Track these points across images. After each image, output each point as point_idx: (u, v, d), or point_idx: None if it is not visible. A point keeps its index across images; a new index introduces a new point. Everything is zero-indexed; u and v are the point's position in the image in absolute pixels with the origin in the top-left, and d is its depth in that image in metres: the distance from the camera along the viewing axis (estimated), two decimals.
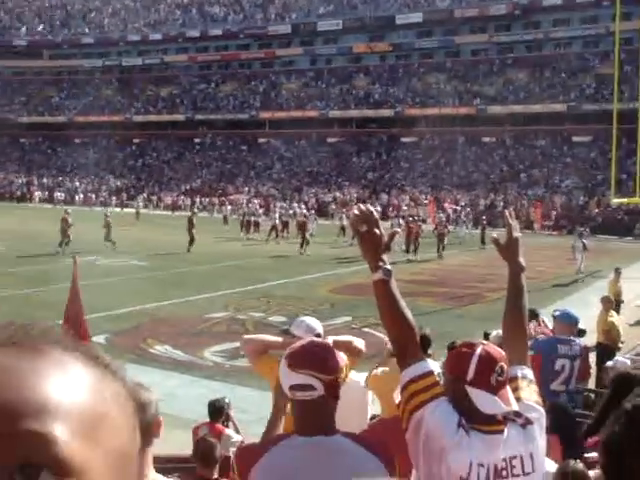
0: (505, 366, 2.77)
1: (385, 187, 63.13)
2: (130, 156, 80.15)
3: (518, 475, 2.75)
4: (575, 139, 62.46)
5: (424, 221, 38.76)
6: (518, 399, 2.84)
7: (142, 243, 33.34)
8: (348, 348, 4.36)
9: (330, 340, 4.03)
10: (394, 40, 77.01)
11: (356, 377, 5.09)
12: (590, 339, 11.63)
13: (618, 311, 14.94)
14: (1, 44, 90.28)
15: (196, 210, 37.98)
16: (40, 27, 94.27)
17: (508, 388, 2.79)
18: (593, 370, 9.47)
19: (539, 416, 2.91)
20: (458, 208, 49.25)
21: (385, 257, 2.80)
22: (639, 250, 35.25)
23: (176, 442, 7.32)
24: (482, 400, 2.70)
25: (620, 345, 12.37)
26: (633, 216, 47.08)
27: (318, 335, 4.44)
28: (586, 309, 15.06)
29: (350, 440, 2.61)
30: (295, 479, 2.54)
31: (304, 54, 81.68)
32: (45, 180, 76.32)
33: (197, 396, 10.99)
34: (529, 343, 3.43)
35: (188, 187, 70.12)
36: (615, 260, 25.47)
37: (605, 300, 12.60)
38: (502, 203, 53.69)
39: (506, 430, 2.76)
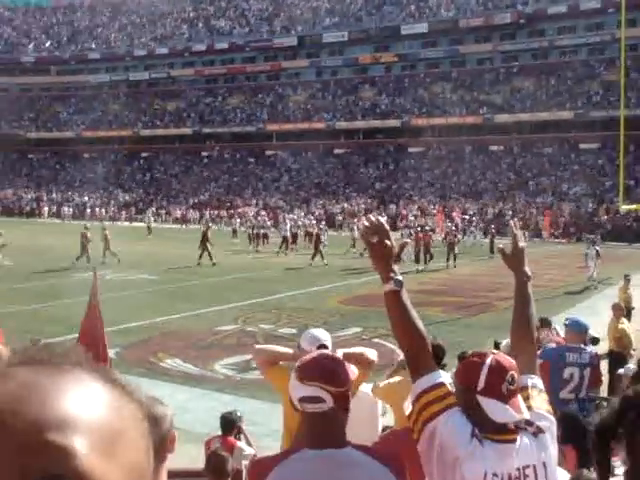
0: (516, 375, 2.78)
1: (393, 197, 63.13)
2: (138, 170, 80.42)
3: None
4: (582, 146, 62.36)
5: (433, 231, 38.69)
6: (529, 408, 2.84)
7: (151, 257, 33.40)
8: (359, 360, 4.37)
9: (340, 353, 4.03)
10: (399, 50, 77.16)
11: (366, 389, 5.08)
12: (601, 347, 11.59)
13: (629, 318, 14.87)
14: (9, 61, 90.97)
15: (211, 224, 38.04)
16: (47, 43, 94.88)
17: (519, 397, 2.79)
18: (605, 378, 9.43)
19: (550, 424, 2.92)
20: (466, 217, 49.21)
21: (396, 268, 2.81)
22: None
23: (187, 456, 7.31)
24: (494, 409, 2.71)
25: (632, 352, 12.32)
26: None
27: (323, 346, 4.45)
28: (597, 317, 15.02)
29: (361, 452, 2.60)
30: None
31: (310, 66, 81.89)
32: (54, 195, 76.60)
33: (208, 409, 10.98)
34: (538, 351, 3.44)
35: (196, 200, 70.25)
36: (625, 267, 25.36)
37: (616, 307, 12.55)
38: (510, 212, 53.62)
39: (519, 439, 2.76)
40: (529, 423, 2.78)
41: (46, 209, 71.96)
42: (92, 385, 0.70)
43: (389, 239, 2.78)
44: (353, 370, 2.78)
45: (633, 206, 40.33)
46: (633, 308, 17.15)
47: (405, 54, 76.90)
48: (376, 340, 15.56)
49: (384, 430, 5.44)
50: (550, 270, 30.52)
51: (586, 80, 66.29)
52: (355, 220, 45.25)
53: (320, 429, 2.59)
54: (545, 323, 10.54)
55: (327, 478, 2.52)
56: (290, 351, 4.90)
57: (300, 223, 42.94)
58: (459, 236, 36.17)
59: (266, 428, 9.09)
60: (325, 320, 18.29)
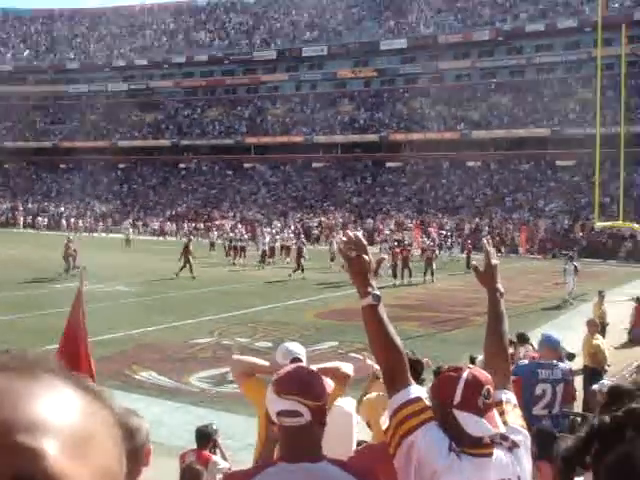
0: (492, 389, 2.80)
1: (370, 212, 63.24)
2: (115, 181, 80.00)
3: None
4: (559, 163, 62.86)
5: (410, 245, 38.78)
6: (504, 423, 2.85)
7: (128, 268, 33.22)
8: (335, 374, 4.36)
9: (314, 368, 4.02)
10: (378, 65, 77.54)
11: (341, 403, 5.07)
12: (576, 362, 11.67)
13: (603, 334, 14.97)
14: None
15: (192, 237, 37.91)
16: (26, 52, 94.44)
17: (495, 411, 2.80)
18: (579, 393, 9.47)
19: (524, 439, 2.94)
20: (443, 232, 49.36)
21: (373, 283, 2.82)
22: (624, 273, 35.41)
23: (161, 469, 7.25)
24: (470, 423, 2.72)
25: (606, 368, 12.39)
26: (617, 239, 47.32)
27: (297, 359, 4.44)
28: (572, 332, 15.10)
29: (337, 467, 2.59)
30: None
31: (289, 80, 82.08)
32: (30, 205, 76.05)
33: (183, 423, 10.92)
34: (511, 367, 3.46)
35: (173, 212, 70.02)
36: (600, 283, 25.58)
37: (591, 323, 12.64)
38: (487, 227, 53.90)
39: (495, 453, 2.77)
40: (504, 437, 2.80)
41: (22, 219, 71.42)
42: (64, 390, 0.72)
43: (367, 254, 2.79)
44: (329, 384, 2.78)
45: (608, 223, 40.58)
46: (607, 324, 17.27)
47: (384, 69, 77.28)
48: (352, 354, 15.54)
49: (359, 445, 5.43)
50: (526, 286, 30.71)
51: (563, 98, 66.87)
52: (334, 234, 45.37)
53: (296, 443, 2.58)
54: (523, 339, 10.60)
55: None
56: (267, 364, 4.89)
57: (278, 237, 42.91)
58: (437, 251, 36.28)
59: (242, 442, 9.05)
60: (301, 334, 18.25)
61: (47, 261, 31.47)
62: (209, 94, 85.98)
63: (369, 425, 5.51)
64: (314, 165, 74.11)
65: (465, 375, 2.77)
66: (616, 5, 64.40)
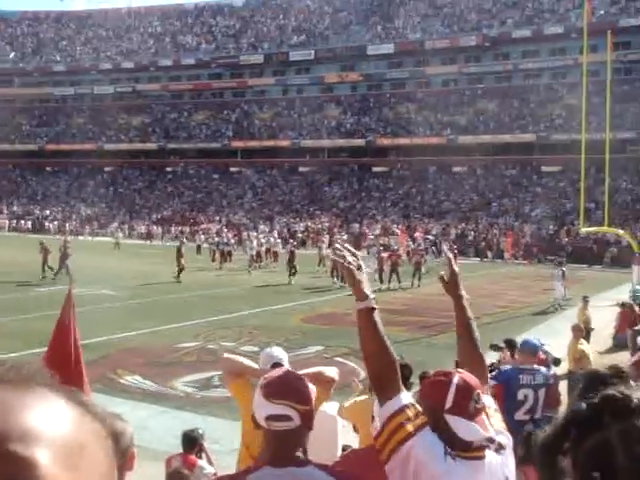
0: (481, 393, 2.81)
1: (357, 216, 63.27)
2: (101, 184, 79.73)
3: None
4: (544, 169, 63.14)
5: (398, 250, 38.80)
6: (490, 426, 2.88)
7: (114, 272, 33.08)
8: (317, 379, 4.35)
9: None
10: (365, 70, 77.69)
11: (326, 407, 5.07)
12: (561, 367, 11.70)
13: (588, 339, 15.03)
14: None
15: (184, 240, 37.78)
16: (11, 55, 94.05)
17: (484, 415, 2.83)
18: (564, 398, 9.49)
19: (508, 441, 2.98)
20: (429, 237, 49.43)
21: (369, 289, 2.82)
22: (609, 278, 35.54)
23: (146, 474, 7.22)
24: (461, 427, 2.75)
25: None
26: (602, 245, 47.53)
27: (278, 365, 4.43)
28: (557, 337, 15.14)
29: (322, 471, 2.59)
30: None
31: (276, 84, 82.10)
32: (15, 208, 75.70)
33: (168, 427, 10.87)
34: (493, 373, 3.48)
35: (159, 216, 69.85)
36: (585, 289, 25.63)
37: (576, 328, 12.67)
38: (473, 232, 54.04)
39: (487, 456, 2.81)
40: (491, 440, 2.82)
41: (6, 222, 71.05)
42: (57, 402, 0.73)
43: (358, 259, 2.84)
44: (312, 389, 2.77)
45: (593, 228, 40.78)
46: (592, 329, 17.33)
47: (371, 74, 77.45)
48: (338, 359, 15.54)
49: (344, 449, 5.43)
50: (512, 291, 30.80)
51: (549, 103, 67.22)
52: (323, 239, 45.42)
53: (284, 447, 2.58)
54: (511, 345, 10.57)
55: None
56: (257, 366, 4.89)
57: (264, 240, 42.85)
58: (426, 256, 36.34)
59: (227, 446, 9.02)
60: (287, 338, 18.22)
61: (35, 264, 31.26)
62: (196, 98, 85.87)
63: (355, 429, 5.51)
64: (300, 169, 74.13)
65: (456, 380, 2.80)
66: (602, 12, 64.78)
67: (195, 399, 13.01)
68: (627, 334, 16.72)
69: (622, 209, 52.44)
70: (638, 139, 59.16)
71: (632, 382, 1.29)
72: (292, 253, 32.97)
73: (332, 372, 4.75)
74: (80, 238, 59.63)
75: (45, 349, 6.89)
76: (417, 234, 52.57)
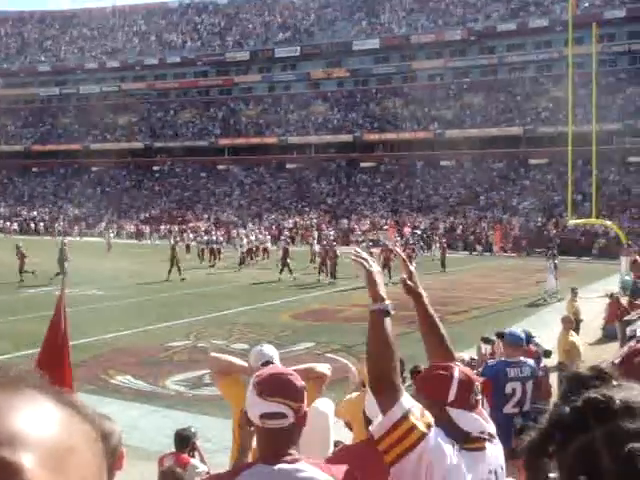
0: (479, 385, 2.87)
1: (345, 212, 63.30)
2: (88, 184, 79.41)
3: None
4: (532, 161, 63.33)
5: (388, 245, 38.81)
6: None
7: (103, 272, 32.98)
8: (309, 375, 4.35)
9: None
10: (351, 66, 77.66)
11: (318, 404, 5.06)
12: (551, 359, 11.73)
13: (577, 330, 15.07)
14: None
15: (178, 239, 37.69)
16: None
17: (481, 407, 2.88)
18: (556, 390, 9.52)
19: (494, 432, 3.01)
20: (417, 232, 49.50)
21: (385, 293, 2.90)
22: (597, 270, 35.67)
23: (139, 473, 7.22)
24: (463, 419, 2.82)
25: (580, 364, 12.43)
26: (590, 236, 47.71)
27: (268, 363, 4.43)
28: (547, 329, 15.19)
29: (314, 468, 2.59)
30: None
31: (262, 80, 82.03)
32: (2, 210, 75.38)
33: (159, 426, 10.85)
34: (480, 368, 3.50)
35: (147, 215, 69.71)
36: (574, 280, 25.70)
37: (566, 320, 12.70)
38: (461, 226, 54.16)
39: (487, 446, 2.86)
40: (482, 431, 2.87)
41: None
42: (45, 405, 0.73)
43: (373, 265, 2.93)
44: (304, 385, 2.77)
45: (581, 220, 40.95)
46: (581, 320, 17.39)
47: (357, 69, 77.43)
48: (329, 355, 15.55)
49: (336, 445, 5.42)
50: (501, 284, 30.88)
51: (535, 96, 67.42)
52: (314, 234, 45.43)
53: (277, 444, 2.58)
54: (503, 337, 10.54)
55: None
56: (245, 364, 4.88)
57: (253, 238, 42.76)
58: (417, 251, 36.41)
59: (218, 445, 9.01)
60: (277, 335, 18.22)
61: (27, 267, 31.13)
62: (182, 96, 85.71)
63: (349, 425, 5.50)
64: (288, 166, 74.09)
65: (458, 374, 2.88)
66: (586, 4, 64.98)
67: (186, 398, 12.99)
68: (616, 326, 16.79)
69: (609, 201, 52.65)
70: (624, 130, 59.38)
71: (614, 382, 1.29)
72: (286, 250, 32.86)
73: (323, 368, 4.74)
74: (69, 238, 59.37)
75: (35, 351, 6.88)
76: (405, 229, 52.68)
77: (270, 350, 4.82)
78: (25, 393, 0.73)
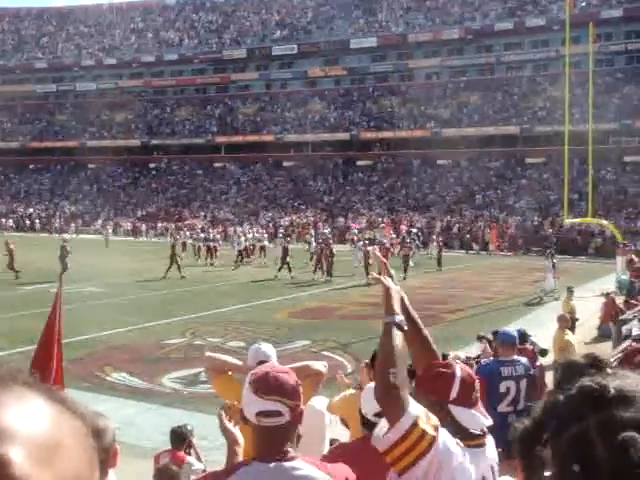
0: (478, 383, 2.90)
1: (342, 210, 63.30)
2: (85, 182, 79.34)
3: None
4: (528, 160, 63.36)
5: (377, 244, 38.84)
6: None
7: (99, 269, 32.96)
8: (305, 373, 4.36)
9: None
10: (348, 64, 77.65)
11: (313, 402, 5.07)
12: (547, 358, 11.74)
13: (573, 330, 15.09)
14: None
15: (178, 237, 37.65)
16: None
17: (480, 403, 2.92)
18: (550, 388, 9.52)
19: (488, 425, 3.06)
20: (413, 230, 49.53)
21: (399, 307, 2.92)
22: (593, 269, 35.70)
23: (134, 471, 7.21)
24: (465, 416, 2.87)
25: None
26: (586, 236, 47.74)
27: (263, 362, 4.42)
28: (543, 328, 15.21)
29: (310, 465, 2.60)
30: None
31: (259, 78, 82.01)
32: None
33: (155, 424, 10.86)
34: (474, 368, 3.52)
35: (144, 212, 69.66)
36: (569, 279, 25.73)
37: (562, 319, 12.69)
38: (458, 225, 54.18)
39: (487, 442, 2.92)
40: (482, 427, 2.92)
41: None
42: (34, 401, 0.74)
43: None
44: (300, 383, 2.78)
45: (577, 219, 41.03)
46: (577, 319, 17.40)
47: (354, 68, 77.41)
48: (325, 353, 15.56)
49: (332, 443, 5.43)
50: (497, 283, 30.90)
51: (532, 95, 67.46)
52: (311, 232, 45.41)
53: (273, 442, 2.58)
54: (524, 337, 10.50)
55: None
56: (240, 363, 4.89)
57: (251, 236, 42.72)
58: (414, 249, 36.47)
59: (214, 442, 9.01)
60: (273, 333, 18.22)
61: (21, 263, 31.07)
62: (179, 93, 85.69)
63: (345, 422, 5.50)
64: (285, 164, 74.06)
65: (460, 372, 2.93)
66: (583, 4, 64.99)
67: (182, 395, 12.99)
68: (610, 326, 16.81)
69: (606, 200, 52.72)
70: (621, 130, 59.45)
71: (609, 370, 1.29)
72: (285, 249, 32.83)
73: (319, 365, 4.75)
74: (65, 235, 59.30)
75: (31, 347, 6.87)
76: (401, 227, 52.71)
77: (268, 349, 4.82)
78: (14, 390, 0.74)
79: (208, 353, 5.46)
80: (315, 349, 16.48)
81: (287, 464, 2.55)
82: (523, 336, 9.90)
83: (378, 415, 3.43)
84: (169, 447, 7.05)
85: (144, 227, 63.60)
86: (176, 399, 12.71)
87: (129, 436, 10.01)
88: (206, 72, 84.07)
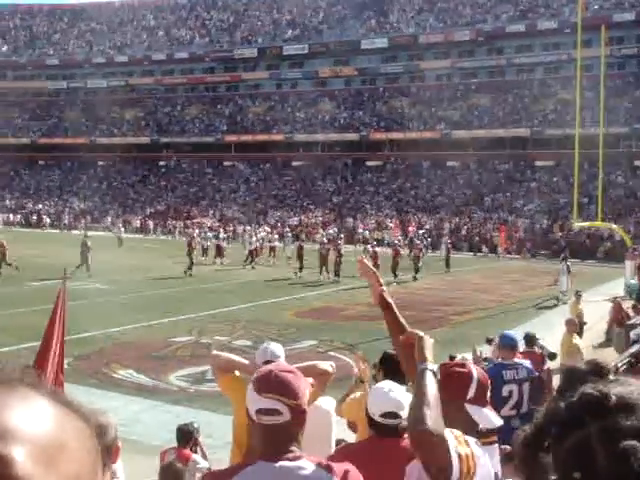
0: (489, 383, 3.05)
1: (350, 211, 63.25)
2: (94, 179, 79.44)
3: None
4: (538, 163, 63.19)
5: (389, 244, 38.85)
6: None
7: (106, 266, 32.99)
8: (311, 372, 4.35)
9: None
10: (359, 65, 77.56)
11: (320, 402, 5.06)
12: (556, 361, 11.71)
13: (581, 333, 15.05)
14: None
15: (195, 235, 37.71)
16: (4, 48, 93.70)
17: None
18: None
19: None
20: (421, 232, 49.47)
21: (431, 354, 2.87)
22: (602, 273, 35.58)
23: (139, 468, 7.22)
24: (481, 415, 2.95)
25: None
26: (595, 239, 47.60)
27: (270, 362, 4.42)
28: (552, 331, 15.17)
29: (315, 465, 2.59)
30: None
31: (270, 78, 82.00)
32: (7, 202, 75.50)
33: (161, 421, 10.87)
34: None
35: (153, 210, 69.75)
36: (578, 283, 25.65)
37: (570, 323, 12.67)
38: (466, 227, 54.09)
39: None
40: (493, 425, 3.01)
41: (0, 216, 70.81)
42: (38, 402, 0.75)
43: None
44: (306, 383, 2.77)
45: (586, 223, 40.91)
46: (585, 323, 17.37)
47: (365, 68, 77.33)
48: (332, 353, 15.56)
49: (338, 444, 5.42)
50: (505, 285, 30.84)
51: (542, 98, 67.27)
52: (322, 233, 45.41)
53: (275, 441, 2.57)
54: (533, 341, 10.37)
55: None
56: (246, 362, 4.89)
57: (260, 235, 42.66)
58: (424, 250, 36.43)
59: (220, 440, 9.01)
60: (280, 332, 18.24)
61: (26, 258, 31.15)
62: (189, 91, 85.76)
63: (353, 425, 5.48)
64: (294, 164, 74.04)
65: (476, 372, 3.06)
66: (595, 7, 64.80)
67: (189, 393, 13.01)
68: (614, 331, 16.75)
69: (615, 204, 52.55)
70: (631, 134, 59.25)
71: (611, 377, 1.28)
72: (301, 247, 33.16)
73: (326, 365, 4.74)
74: (74, 232, 59.50)
75: (37, 343, 6.88)
76: (410, 228, 52.66)
77: (276, 349, 4.82)
78: (19, 391, 0.74)
79: (215, 351, 5.47)
80: (322, 349, 16.48)
81: (292, 464, 2.54)
82: (531, 339, 9.88)
83: (384, 416, 3.43)
84: (175, 444, 7.04)
85: (152, 225, 63.66)
86: (182, 397, 12.73)
87: (135, 433, 10.02)
88: (217, 71, 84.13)
